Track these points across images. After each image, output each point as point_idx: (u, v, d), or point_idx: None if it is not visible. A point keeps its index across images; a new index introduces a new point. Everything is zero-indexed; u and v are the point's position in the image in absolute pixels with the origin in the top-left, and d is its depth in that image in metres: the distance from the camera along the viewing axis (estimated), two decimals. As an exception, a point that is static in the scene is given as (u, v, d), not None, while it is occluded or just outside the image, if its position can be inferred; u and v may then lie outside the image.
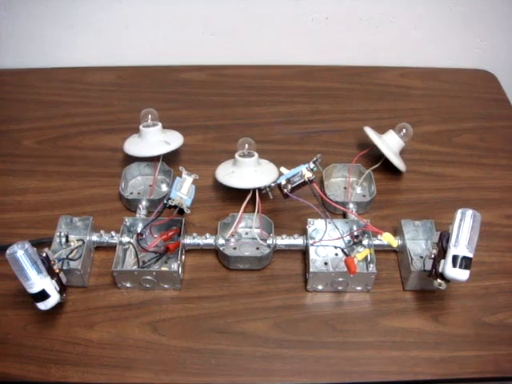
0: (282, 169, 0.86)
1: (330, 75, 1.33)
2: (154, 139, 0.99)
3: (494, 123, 1.19)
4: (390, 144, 1.02)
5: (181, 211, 0.86)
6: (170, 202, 0.85)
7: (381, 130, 1.05)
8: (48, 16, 1.26)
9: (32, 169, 1.07)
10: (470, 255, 0.74)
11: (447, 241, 0.76)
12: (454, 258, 0.74)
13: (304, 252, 0.91)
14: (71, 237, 0.90)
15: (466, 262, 0.74)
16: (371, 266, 0.85)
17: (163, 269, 0.86)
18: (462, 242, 0.75)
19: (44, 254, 0.77)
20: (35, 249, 0.75)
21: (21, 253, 0.73)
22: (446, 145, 1.14)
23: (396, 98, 1.26)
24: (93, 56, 1.34)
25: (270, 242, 0.89)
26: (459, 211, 0.77)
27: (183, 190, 0.86)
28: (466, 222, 0.75)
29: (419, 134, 1.13)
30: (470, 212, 0.76)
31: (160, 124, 1.00)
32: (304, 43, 1.33)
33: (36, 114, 1.20)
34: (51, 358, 0.79)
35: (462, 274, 0.74)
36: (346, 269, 0.80)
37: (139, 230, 0.91)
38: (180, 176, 0.88)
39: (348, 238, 0.91)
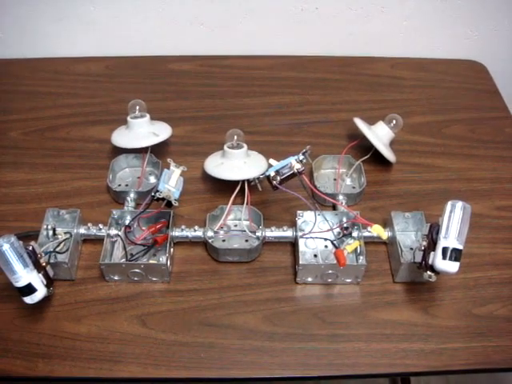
0: (271, 160, 0.86)
1: (320, 66, 1.32)
2: (142, 131, 0.98)
3: (484, 114, 1.19)
4: (379, 135, 1.01)
5: (169, 204, 0.85)
6: (157, 194, 0.84)
7: (371, 121, 1.04)
8: (35, 6, 1.25)
9: (19, 161, 1.06)
10: (460, 247, 0.74)
11: (437, 233, 0.76)
12: (444, 249, 0.74)
13: (293, 244, 0.91)
14: (58, 229, 0.89)
15: (455, 254, 0.73)
16: (361, 258, 0.85)
17: (151, 261, 0.86)
18: (452, 233, 0.74)
19: (30, 248, 0.76)
20: (21, 242, 0.75)
21: (6, 246, 0.72)
22: (437, 136, 1.13)
23: (386, 89, 1.25)
24: (80, 46, 1.33)
25: (259, 234, 0.89)
26: (449, 203, 0.76)
27: (171, 183, 0.85)
28: (456, 213, 0.75)
29: (409, 124, 1.12)
30: (460, 204, 0.76)
31: (148, 115, 0.99)
32: (294, 33, 1.32)
33: (23, 105, 1.18)
34: (38, 352, 0.78)
35: (451, 266, 0.73)
36: (335, 261, 0.80)
37: (127, 222, 0.90)
38: (168, 168, 0.87)
39: (338, 229, 0.90)
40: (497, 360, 0.78)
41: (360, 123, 1.02)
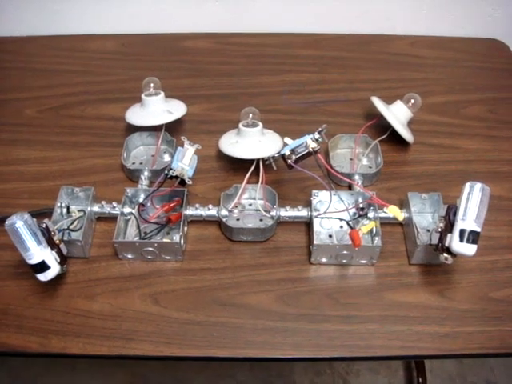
0: (287, 139, 0.84)
1: (337, 44, 1.30)
2: (157, 108, 0.97)
3: (504, 94, 1.16)
4: (397, 115, 0.99)
5: (182, 182, 0.85)
6: (171, 172, 0.83)
7: (389, 101, 1.02)
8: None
9: (33, 138, 1.06)
10: (478, 229, 0.72)
11: (454, 214, 0.74)
12: (462, 232, 0.72)
13: (308, 224, 0.90)
14: (72, 207, 0.89)
15: (473, 237, 0.72)
16: (376, 239, 0.84)
17: (165, 240, 0.85)
18: (470, 215, 0.73)
19: (44, 225, 0.76)
20: (35, 220, 0.75)
21: (20, 224, 0.72)
22: (455, 116, 1.11)
23: (405, 68, 1.23)
24: (95, 23, 1.32)
25: (273, 213, 0.88)
26: (467, 184, 0.75)
27: (185, 161, 0.84)
28: (475, 195, 0.74)
29: (428, 104, 1.10)
30: (478, 185, 0.74)
31: (162, 93, 0.98)
32: (312, 11, 1.30)
33: (37, 83, 1.18)
34: (52, 328, 0.78)
35: (469, 249, 0.72)
36: (350, 242, 0.79)
37: (141, 200, 0.89)
38: (182, 146, 0.86)
39: (353, 210, 0.89)
40: (512, 344, 0.77)
41: (378, 102, 1.00)
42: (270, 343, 0.77)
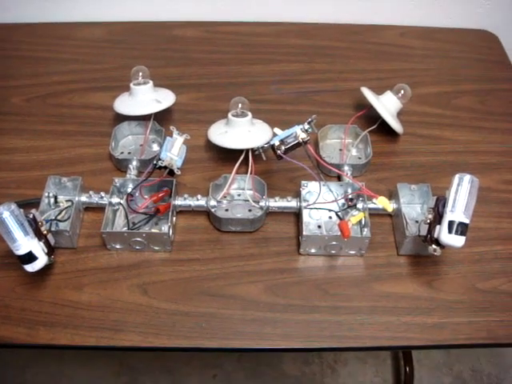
0: (276, 129, 0.84)
1: (327, 34, 1.29)
2: (145, 98, 0.96)
3: (494, 86, 1.16)
4: (387, 105, 0.99)
5: (171, 172, 0.84)
6: (159, 162, 0.83)
7: (378, 91, 1.02)
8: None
9: (21, 127, 1.05)
10: (467, 221, 0.73)
11: (443, 206, 0.75)
12: (450, 223, 0.73)
13: (297, 214, 0.90)
14: (60, 197, 0.89)
15: (462, 228, 0.72)
16: (365, 230, 0.84)
17: (153, 230, 0.85)
18: (459, 207, 0.73)
19: (31, 216, 0.75)
20: (22, 210, 0.74)
21: (7, 214, 0.72)
22: (445, 107, 1.11)
23: (395, 58, 1.23)
24: (83, 11, 1.30)
25: (262, 203, 0.87)
26: (457, 176, 0.75)
27: (173, 151, 0.84)
28: (464, 187, 0.74)
29: (418, 95, 1.10)
30: (467, 177, 0.74)
31: (151, 82, 0.97)
32: (303, 0, 1.29)
33: (24, 71, 1.17)
34: (40, 320, 0.78)
35: (457, 240, 0.72)
36: (339, 232, 0.79)
37: (129, 190, 0.89)
38: (171, 136, 0.86)
39: (342, 201, 0.89)
40: (500, 335, 0.77)
41: (367, 93, 1.00)
42: (259, 334, 0.77)
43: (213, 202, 0.88)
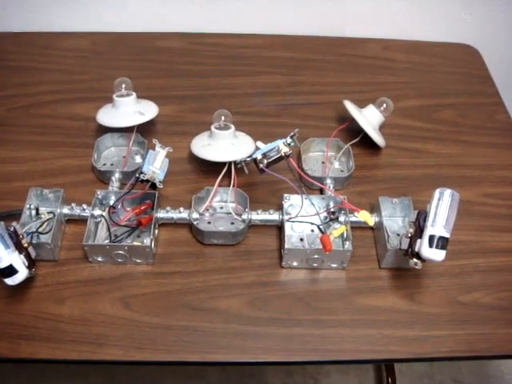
0: (259, 143, 0.84)
1: (310, 46, 1.30)
2: (128, 109, 0.96)
3: (476, 100, 1.18)
4: (369, 119, 1.00)
5: (153, 185, 0.84)
6: (142, 176, 0.83)
7: (361, 104, 1.03)
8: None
9: (3, 138, 1.04)
10: (447, 235, 0.73)
11: (424, 220, 0.75)
12: (431, 237, 0.73)
13: (279, 228, 0.90)
14: (42, 209, 0.88)
15: (442, 243, 0.73)
16: (347, 243, 0.84)
17: (135, 243, 0.84)
18: (440, 221, 0.74)
19: (12, 228, 0.74)
20: (3, 223, 0.73)
21: (-14, 227, 0.71)
22: (427, 120, 1.12)
23: (378, 71, 1.24)
24: (68, 21, 1.29)
25: (244, 216, 0.88)
26: (437, 190, 0.76)
27: (156, 164, 0.84)
28: (444, 201, 0.75)
29: (400, 108, 1.11)
30: (448, 191, 0.75)
31: (134, 94, 0.97)
32: (284, 12, 1.30)
33: (7, 81, 1.16)
34: (21, 333, 0.77)
35: (438, 255, 0.73)
36: (321, 246, 0.79)
37: (111, 203, 0.89)
38: (153, 149, 0.86)
39: (324, 214, 0.89)
40: (481, 348, 0.78)
41: (350, 106, 1.00)
42: (241, 347, 0.77)
43: (195, 215, 0.88)
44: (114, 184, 0.93)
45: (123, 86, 0.98)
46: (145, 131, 1.01)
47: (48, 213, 0.86)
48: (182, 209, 0.88)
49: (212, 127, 0.92)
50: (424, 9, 1.30)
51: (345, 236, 0.85)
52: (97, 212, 0.87)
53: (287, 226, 0.87)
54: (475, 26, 1.32)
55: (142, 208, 0.88)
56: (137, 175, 0.83)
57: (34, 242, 0.80)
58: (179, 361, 0.76)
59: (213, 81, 1.18)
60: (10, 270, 0.73)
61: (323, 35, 1.32)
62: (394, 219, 0.90)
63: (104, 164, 0.98)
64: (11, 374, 1.44)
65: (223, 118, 0.94)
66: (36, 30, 1.29)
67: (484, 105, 1.17)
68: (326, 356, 0.77)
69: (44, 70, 1.19)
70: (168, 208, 0.88)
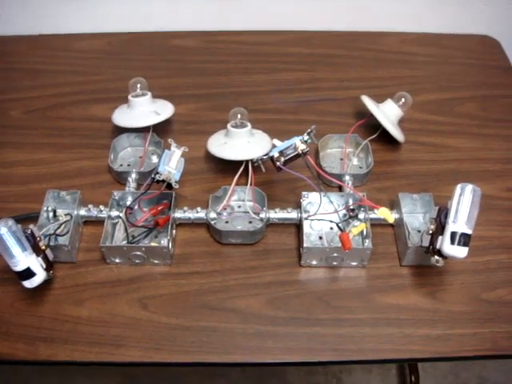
0: (275, 141, 0.84)
1: (328, 41, 1.28)
2: (144, 109, 0.96)
3: (496, 92, 1.15)
4: (388, 114, 0.98)
5: (169, 185, 0.84)
6: (157, 176, 0.82)
7: (379, 99, 1.01)
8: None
9: (20, 141, 1.04)
10: (469, 232, 0.72)
11: (446, 217, 0.74)
12: (453, 234, 0.71)
13: (298, 226, 0.89)
14: (59, 211, 0.88)
15: (464, 239, 0.71)
16: (367, 241, 0.83)
17: (153, 244, 0.84)
18: (461, 218, 0.72)
19: (29, 231, 0.74)
20: (20, 225, 0.73)
21: (4, 230, 0.71)
22: (447, 114, 1.10)
23: (396, 66, 1.22)
24: (81, 22, 1.30)
25: (262, 215, 0.87)
26: (458, 186, 0.74)
27: (171, 164, 0.83)
28: (466, 197, 0.73)
29: (419, 102, 1.09)
30: (469, 187, 0.73)
31: (149, 93, 0.97)
32: (302, 8, 1.29)
33: (23, 84, 1.16)
34: (39, 335, 0.77)
35: (460, 252, 0.71)
36: (341, 244, 0.78)
37: (128, 203, 0.88)
38: (169, 149, 0.85)
39: (343, 211, 0.88)
40: (505, 346, 0.76)
41: (368, 101, 0.99)
42: (261, 348, 0.76)
43: (212, 215, 0.87)
44: (131, 185, 0.92)
45: (138, 85, 0.98)
46: (161, 131, 1.00)
47: (65, 215, 0.86)
48: (199, 208, 0.88)
49: (228, 125, 0.92)
50: (442, 0, 1.27)
51: (364, 233, 0.84)
52: (114, 213, 0.87)
53: (306, 225, 0.86)
54: (495, 17, 1.30)
55: (159, 208, 0.87)
56: (152, 175, 0.83)
57: (51, 244, 0.80)
58: (198, 362, 0.76)
59: (228, 79, 1.18)
60: (28, 273, 0.73)
61: (340, 30, 1.31)
62: (415, 216, 0.89)
63: (121, 165, 0.98)
64: (32, 373, 1.46)
65: (239, 116, 0.93)
66: (51, 32, 1.30)
67: (504, 97, 1.14)
68: (346, 356, 0.76)
69: (59, 72, 1.19)
70: (185, 208, 0.88)
